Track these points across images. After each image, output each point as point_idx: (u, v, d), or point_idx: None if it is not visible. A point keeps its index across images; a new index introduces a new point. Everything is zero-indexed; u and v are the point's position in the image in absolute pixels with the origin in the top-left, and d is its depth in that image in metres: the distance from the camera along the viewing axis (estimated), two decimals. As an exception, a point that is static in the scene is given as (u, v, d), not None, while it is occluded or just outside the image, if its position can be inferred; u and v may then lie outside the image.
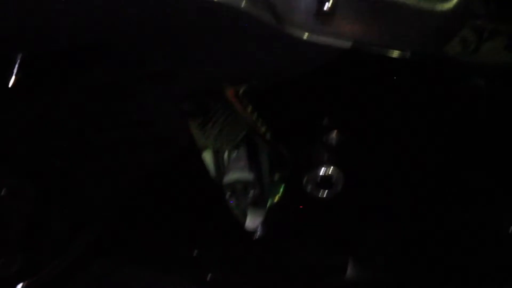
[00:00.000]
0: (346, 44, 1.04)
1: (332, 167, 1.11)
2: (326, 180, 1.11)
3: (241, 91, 1.09)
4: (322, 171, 1.11)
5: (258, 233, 1.19)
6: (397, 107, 1.12)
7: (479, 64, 1.11)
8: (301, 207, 1.21)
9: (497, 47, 1.12)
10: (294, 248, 1.25)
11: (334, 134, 1.11)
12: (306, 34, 1.02)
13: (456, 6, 1.07)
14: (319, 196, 1.12)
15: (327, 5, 1.02)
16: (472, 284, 1.34)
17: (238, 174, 1.23)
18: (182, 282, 1.28)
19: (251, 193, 1.23)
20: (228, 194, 1.23)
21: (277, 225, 1.20)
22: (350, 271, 1.26)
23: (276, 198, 1.18)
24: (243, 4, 0.97)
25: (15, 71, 0.98)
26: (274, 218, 1.18)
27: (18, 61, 0.99)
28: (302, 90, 1.09)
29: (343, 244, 1.25)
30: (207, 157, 1.21)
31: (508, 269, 1.31)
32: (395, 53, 1.07)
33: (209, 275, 1.25)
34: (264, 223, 1.19)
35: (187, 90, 1.09)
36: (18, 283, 1.22)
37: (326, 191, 1.12)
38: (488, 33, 1.10)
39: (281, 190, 1.17)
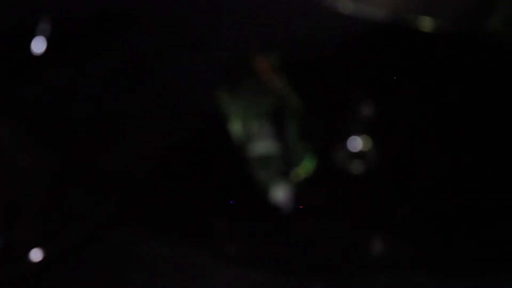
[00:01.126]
0: (384, 15, 1.02)
1: (365, 139, 1.09)
2: (359, 153, 1.09)
3: (272, 60, 1.07)
4: (354, 143, 1.08)
5: (285, 207, 1.17)
6: (435, 82, 1.10)
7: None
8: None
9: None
10: (321, 223, 1.23)
11: (368, 106, 1.09)
12: (342, 4, 1.00)
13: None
14: (351, 169, 1.10)
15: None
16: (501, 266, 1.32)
17: (265, 145, 1.21)
18: (202, 255, 1.26)
19: (278, 165, 1.21)
20: (254, 165, 1.21)
21: (305, 199, 1.18)
22: (377, 247, 1.25)
23: (306, 171, 1.16)
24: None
25: (45, 36, 0.96)
26: (302, 193, 1.17)
27: (45, 25, 0.97)
28: (336, 60, 1.07)
29: (372, 220, 1.23)
30: (235, 127, 1.19)
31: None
32: (433, 26, 1.05)
33: (230, 248, 1.24)
34: (292, 197, 1.17)
35: (218, 58, 1.07)
36: (33, 249, 1.20)
37: (358, 164, 1.10)
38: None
39: (311, 162, 1.15)
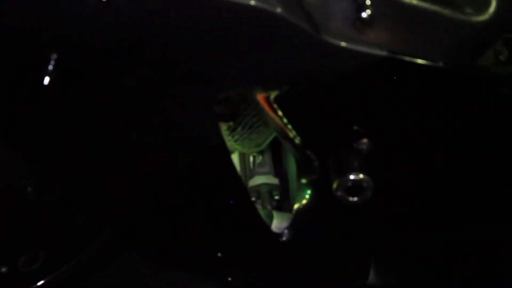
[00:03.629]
0: (382, 53, 1.04)
1: (362, 174, 1.10)
2: (356, 187, 1.10)
3: (272, 96, 1.08)
4: (352, 178, 1.09)
5: (284, 237, 1.18)
6: (430, 117, 1.11)
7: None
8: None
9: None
10: (319, 253, 1.24)
11: (365, 142, 1.10)
12: (342, 42, 1.01)
13: (491, 18, 1.06)
14: (349, 202, 1.11)
15: (364, 14, 1.01)
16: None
17: (263, 178, 1.22)
18: (204, 283, 1.27)
19: (276, 197, 1.22)
20: (253, 197, 1.22)
21: (303, 229, 1.19)
22: (372, 276, 1.26)
23: (303, 203, 1.17)
24: (278, 9, 0.96)
25: (50, 70, 0.97)
26: (301, 223, 1.17)
27: (54, 60, 0.98)
28: (335, 96, 1.08)
29: (368, 250, 1.24)
30: (234, 160, 1.20)
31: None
32: (429, 63, 1.06)
33: (232, 278, 1.25)
34: (290, 227, 1.18)
35: (220, 93, 1.08)
36: (39, 280, 1.21)
37: (356, 197, 1.11)
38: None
39: (308, 195, 1.16)
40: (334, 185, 1.09)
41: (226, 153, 1.12)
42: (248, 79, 1.06)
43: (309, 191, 1.15)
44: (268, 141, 1.17)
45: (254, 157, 1.21)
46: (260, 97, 1.08)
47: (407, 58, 1.04)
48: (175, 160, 1.12)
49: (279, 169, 1.22)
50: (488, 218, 1.20)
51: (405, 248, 1.22)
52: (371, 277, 1.24)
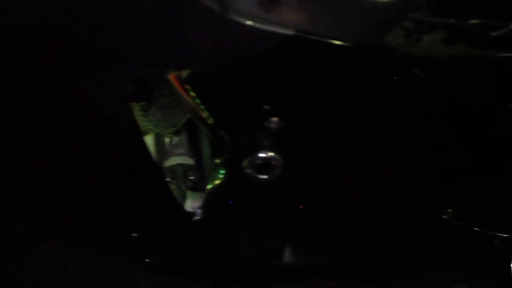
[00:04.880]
0: (289, 32, 1.04)
1: (271, 152, 1.10)
2: (266, 164, 1.11)
3: (184, 76, 1.08)
4: (261, 155, 1.10)
5: (197, 216, 1.18)
6: (338, 95, 1.12)
7: (420, 55, 1.12)
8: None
9: (436, 40, 1.12)
10: (234, 232, 1.24)
11: (275, 120, 1.10)
12: (249, 21, 1.02)
13: (397, -3, 1.07)
14: (258, 180, 1.11)
15: (271, -7, 1.02)
16: (409, 270, 1.35)
17: (179, 158, 1.21)
18: (122, 264, 1.26)
19: (191, 177, 1.22)
20: (168, 178, 1.22)
21: (216, 208, 1.19)
22: (287, 256, 1.26)
23: (216, 183, 1.17)
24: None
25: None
26: (213, 202, 1.18)
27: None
28: (244, 76, 1.08)
29: (282, 229, 1.24)
30: (149, 141, 1.20)
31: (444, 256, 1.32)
32: (337, 42, 1.07)
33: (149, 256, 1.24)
34: (203, 207, 1.18)
35: (130, 74, 1.08)
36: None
37: (265, 175, 1.11)
38: (427, 26, 1.10)
39: (221, 175, 1.17)
40: (244, 163, 1.10)
41: (138, 134, 1.11)
42: (159, 58, 1.05)
43: (222, 171, 1.15)
44: (182, 122, 1.17)
45: (170, 138, 1.21)
46: (171, 76, 1.08)
47: (315, 38, 1.05)
48: (86, 142, 1.11)
49: (196, 150, 1.21)
50: (400, 195, 1.21)
51: (319, 226, 1.23)
52: (286, 256, 1.25)
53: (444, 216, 1.24)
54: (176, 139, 1.19)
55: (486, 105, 1.15)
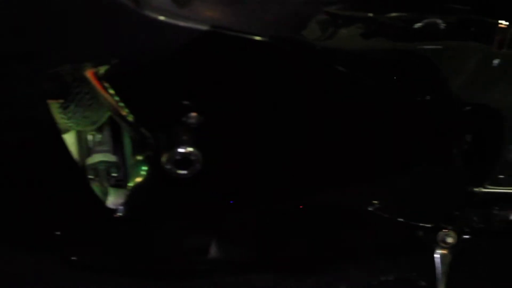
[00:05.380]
0: (203, 27, 1.04)
1: (190, 147, 1.10)
2: (185, 160, 1.11)
3: (101, 72, 1.08)
4: (180, 151, 1.10)
5: (119, 213, 1.17)
6: (256, 90, 1.12)
7: (337, 49, 1.12)
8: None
9: (353, 34, 1.13)
10: (157, 228, 1.24)
11: (193, 115, 1.10)
12: (162, 16, 1.02)
13: (313, -8, 1.08)
14: (178, 175, 1.11)
15: (185, -12, 1.02)
16: (335, 262, 1.36)
17: (101, 156, 1.21)
18: (48, 263, 1.25)
19: (114, 174, 1.21)
20: (90, 175, 1.21)
21: (138, 205, 1.18)
22: (212, 251, 1.26)
23: (138, 179, 1.16)
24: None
25: None
26: (135, 199, 1.17)
27: None
28: (161, 71, 1.08)
29: (206, 224, 1.24)
30: (70, 138, 1.19)
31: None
32: (253, 37, 1.07)
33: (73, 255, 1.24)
34: (125, 203, 1.18)
35: (47, 71, 1.07)
36: None
37: (185, 170, 1.11)
38: (344, 20, 1.11)
39: (143, 171, 1.16)
40: (163, 159, 1.10)
41: (56, 132, 1.11)
42: (76, 55, 1.05)
43: (144, 167, 1.15)
44: (104, 119, 1.16)
45: (93, 135, 1.20)
46: (89, 73, 1.07)
47: (230, 33, 1.05)
48: (5, 141, 1.10)
49: (118, 147, 1.21)
50: (325, 188, 1.22)
51: (243, 221, 1.23)
52: (212, 252, 1.25)
53: (370, 208, 1.25)
54: (99, 136, 1.19)
55: (405, 97, 1.16)
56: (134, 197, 1.15)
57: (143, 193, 1.15)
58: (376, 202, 1.25)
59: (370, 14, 1.10)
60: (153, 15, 1.01)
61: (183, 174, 1.10)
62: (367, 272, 1.33)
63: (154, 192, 1.15)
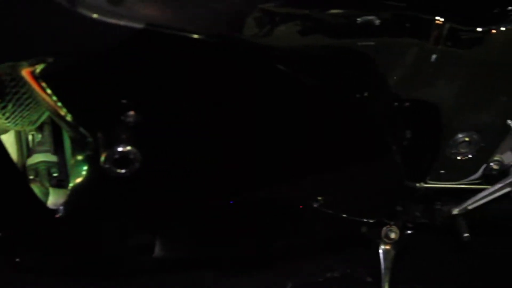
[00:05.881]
0: (138, 25, 1.04)
1: (129, 146, 1.10)
2: (124, 159, 1.10)
3: (38, 71, 1.07)
4: (119, 150, 1.10)
5: (60, 213, 1.17)
6: (193, 88, 1.12)
7: (275, 47, 1.13)
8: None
9: (291, 31, 1.13)
10: (99, 227, 1.23)
11: (132, 114, 1.10)
12: (95, 14, 1.01)
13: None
14: (117, 174, 1.11)
15: (117, -13, 1.01)
16: (282, 258, 1.36)
17: (42, 156, 1.20)
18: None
19: (55, 174, 1.21)
20: (31, 176, 1.20)
21: (79, 205, 1.18)
22: (154, 249, 1.26)
23: (78, 179, 1.16)
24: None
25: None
26: (76, 198, 1.17)
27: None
28: (97, 70, 1.08)
29: (147, 222, 1.24)
30: (9, 139, 1.18)
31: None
32: (189, 35, 1.07)
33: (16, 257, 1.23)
34: (66, 203, 1.17)
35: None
36: None
37: (124, 169, 1.11)
38: (280, 17, 1.11)
39: (83, 171, 1.16)
40: (102, 158, 1.09)
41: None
42: (10, 53, 1.04)
43: (84, 167, 1.15)
44: (43, 118, 1.16)
45: (33, 135, 1.19)
46: (25, 72, 1.07)
47: (165, 30, 1.05)
48: None
49: (59, 146, 1.20)
50: (271, 184, 1.22)
51: (186, 218, 1.23)
52: (157, 250, 1.24)
53: (315, 205, 1.26)
54: (39, 136, 1.18)
55: (344, 94, 1.17)
56: (75, 197, 1.14)
57: (83, 193, 1.14)
58: (320, 198, 1.25)
59: (306, 11, 1.10)
60: (87, 13, 1.01)
61: (122, 173, 1.09)
62: (314, 269, 1.33)
63: (95, 191, 1.14)
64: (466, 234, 1.25)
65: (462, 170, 1.26)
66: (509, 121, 1.23)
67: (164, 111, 1.11)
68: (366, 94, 1.16)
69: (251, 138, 1.15)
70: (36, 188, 1.16)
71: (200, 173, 1.16)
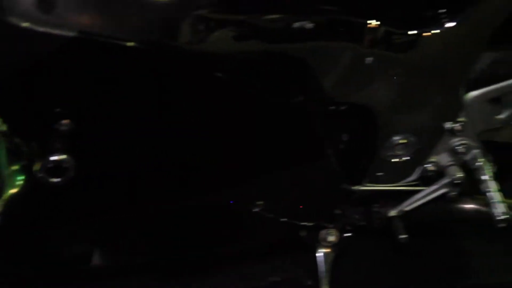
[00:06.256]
0: (69, 33, 1.03)
1: (63, 154, 1.09)
2: (58, 167, 1.10)
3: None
4: (52, 159, 1.09)
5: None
6: (126, 95, 1.11)
7: (210, 53, 1.12)
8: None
9: (225, 37, 1.13)
10: (39, 236, 1.22)
11: (65, 123, 1.09)
12: (26, 23, 1.00)
13: (179, -4, 1.08)
14: (52, 183, 1.10)
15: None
16: (222, 263, 1.36)
17: None
18: None
19: None
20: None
21: (15, 215, 1.17)
22: (94, 256, 1.25)
23: (14, 189, 1.15)
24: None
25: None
26: (12, 208, 1.16)
27: None
28: (30, 79, 1.07)
29: (84, 230, 1.23)
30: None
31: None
32: (122, 42, 1.06)
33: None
34: (2, 213, 1.16)
35: None
36: None
37: (58, 178, 1.10)
38: (214, 23, 1.11)
39: (19, 181, 1.15)
40: (36, 167, 1.08)
41: None
42: None
43: (21, 177, 1.14)
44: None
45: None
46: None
47: (97, 38, 1.04)
48: None
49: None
50: (210, 189, 1.22)
51: (126, 225, 1.22)
52: (95, 259, 1.23)
53: (255, 209, 1.26)
54: None
55: (280, 99, 1.17)
56: (11, 207, 1.13)
57: (19, 203, 1.13)
58: (260, 203, 1.25)
59: (241, 17, 1.10)
60: (17, 22, 0.99)
61: (56, 182, 1.09)
62: (255, 273, 1.33)
63: (30, 201, 1.13)
64: (402, 236, 1.26)
65: (399, 172, 1.27)
66: (444, 123, 1.24)
67: (99, 119, 1.10)
68: (302, 98, 1.17)
69: (188, 144, 1.15)
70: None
71: (136, 179, 1.16)
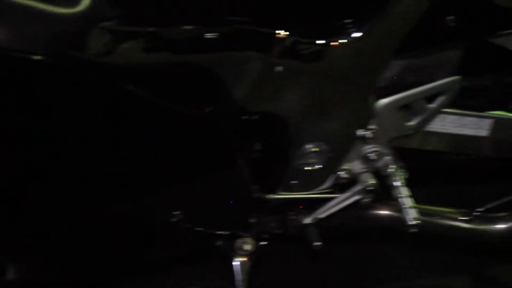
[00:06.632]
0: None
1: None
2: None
3: None
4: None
5: None
6: (34, 108, 1.11)
7: (118, 65, 1.12)
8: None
9: (135, 48, 1.13)
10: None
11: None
12: None
13: (85, 9, 1.08)
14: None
15: None
16: (141, 273, 1.35)
17: None
18: None
19: None
20: None
21: None
22: (12, 272, 1.24)
23: None
24: None
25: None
26: None
27: None
28: None
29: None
30: None
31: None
32: (26, 56, 1.06)
33: None
34: None
35: None
36: None
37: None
38: (122, 35, 1.11)
39: None
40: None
41: None
42: None
43: None
44: None
45: None
46: None
47: (2, 52, 1.04)
48: None
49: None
50: (126, 199, 1.22)
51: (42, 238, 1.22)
52: (10, 273, 1.23)
53: (172, 220, 1.26)
54: None
55: (190, 110, 1.18)
56: None
57: None
58: (176, 213, 1.26)
59: (149, 29, 1.11)
60: None
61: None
62: (173, 283, 1.33)
63: None
64: (316, 243, 1.27)
65: (312, 180, 1.28)
66: (355, 131, 1.26)
67: (7, 132, 1.09)
68: (212, 108, 1.17)
69: (100, 156, 1.15)
70: None
71: (47, 190, 1.15)
